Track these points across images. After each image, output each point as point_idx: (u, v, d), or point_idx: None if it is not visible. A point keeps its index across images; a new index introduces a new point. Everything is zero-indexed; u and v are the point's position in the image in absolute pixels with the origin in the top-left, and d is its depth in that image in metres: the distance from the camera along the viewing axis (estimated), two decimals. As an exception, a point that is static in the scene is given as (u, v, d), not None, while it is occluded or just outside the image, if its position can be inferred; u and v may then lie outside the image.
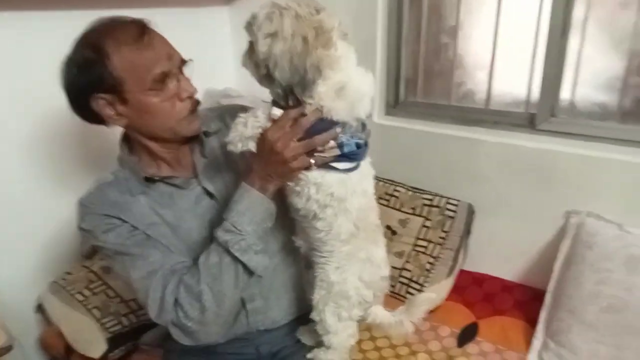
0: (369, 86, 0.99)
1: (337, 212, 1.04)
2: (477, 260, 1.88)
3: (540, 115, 1.68)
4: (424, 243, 1.84)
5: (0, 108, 1.65)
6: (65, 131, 1.79)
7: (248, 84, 1.22)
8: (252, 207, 1.04)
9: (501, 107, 1.82)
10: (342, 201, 1.03)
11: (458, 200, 1.85)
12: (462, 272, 1.85)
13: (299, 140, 0.97)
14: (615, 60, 1.57)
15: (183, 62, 1.10)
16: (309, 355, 1.23)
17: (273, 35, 0.89)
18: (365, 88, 0.98)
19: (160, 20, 1.11)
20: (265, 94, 1.02)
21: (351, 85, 0.95)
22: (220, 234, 1.05)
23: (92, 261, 1.78)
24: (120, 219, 1.10)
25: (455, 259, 1.80)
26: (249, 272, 1.07)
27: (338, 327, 1.14)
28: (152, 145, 1.14)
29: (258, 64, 0.94)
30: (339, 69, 0.93)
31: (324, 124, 0.95)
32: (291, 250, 1.25)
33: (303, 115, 0.95)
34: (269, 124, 0.98)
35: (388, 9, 1.90)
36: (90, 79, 1.04)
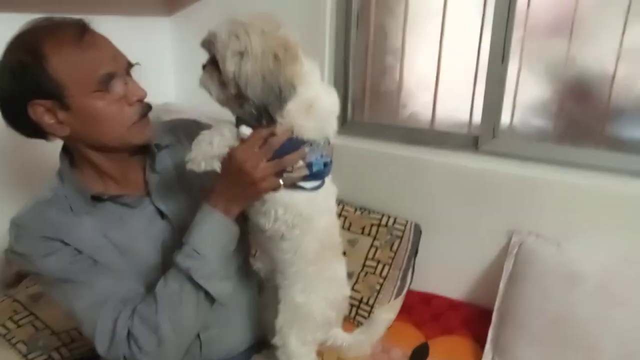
0: (335, 103, 0.97)
1: (304, 231, 1.00)
2: (424, 280, 1.89)
3: (482, 136, 1.74)
4: (373, 263, 1.83)
5: None
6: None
7: (187, 97, 1.18)
8: (215, 231, 0.98)
9: (445, 128, 1.87)
10: (310, 220, 1.00)
11: (406, 220, 1.86)
12: (409, 291, 1.85)
13: (268, 160, 0.93)
14: (551, 85, 1.66)
15: (130, 65, 1.03)
16: None
17: (242, 54, 0.85)
18: (333, 105, 0.97)
19: (100, 27, 1.03)
20: (207, 109, 0.98)
21: (319, 103, 0.93)
22: (181, 260, 0.97)
23: (16, 289, 1.62)
24: (62, 241, 0.99)
25: (404, 279, 1.81)
26: (211, 300, 1.01)
27: (301, 352, 1.09)
28: (98, 158, 1.05)
29: (225, 84, 0.89)
30: (307, 85, 0.91)
31: (293, 143, 0.92)
32: (245, 274, 1.20)
33: (272, 134, 0.91)
34: (236, 143, 0.93)
35: (336, 29, 1.93)
36: (26, 84, 0.94)
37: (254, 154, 0.92)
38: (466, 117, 1.84)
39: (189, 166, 0.94)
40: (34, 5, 1.49)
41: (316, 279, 1.08)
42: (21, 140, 1.59)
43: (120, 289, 1.01)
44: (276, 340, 1.10)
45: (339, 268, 1.15)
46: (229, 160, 0.93)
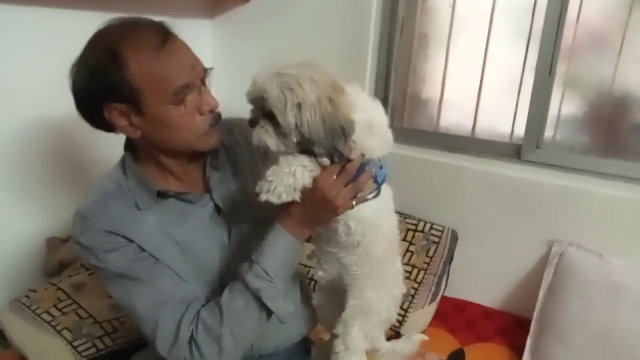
0: (384, 113, 1.01)
1: (376, 236, 1.06)
2: (458, 287, 1.90)
3: (525, 146, 1.75)
4: (408, 268, 1.83)
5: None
6: (31, 142, 1.67)
7: (227, 100, 1.21)
8: (287, 253, 0.99)
9: (487, 137, 1.88)
10: (378, 226, 1.05)
11: (442, 226, 1.87)
12: (443, 297, 1.85)
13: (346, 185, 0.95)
14: (596, 98, 1.67)
15: (205, 71, 1.03)
16: None
17: (299, 105, 0.87)
18: (384, 116, 1.00)
19: None
20: (246, 112, 0.99)
21: (375, 120, 0.97)
22: (251, 279, 0.97)
23: (59, 278, 1.63)
24: (126, 237, 1.00)
25: (438, 285, 1.81)
26: (271, 316, 1.02)
27: (360, 345, 1.11)
28: (162, 157, 1.06)
29: (284, 135, 0.91)
30: (360, 110, 0.94)
31: (360, 164, 0.95)
32: (295, 274, 1.21)
33: (348, 160, 0.94)
34: (318, 172, 0.94)
35: (380, 35, 1.94)
36: (103, 86, 0.94)
37: (335, 182, 0.94)
38: (506, 127, 1.85)
39: (267, 197, 0.91)
40: (81, 3, 1.52)
41: (385, 275, 1.13)
42: (52, 144, 1.63)
43: (181, 289, 1.02)
44: (338, 330, 1.11)
45: (399, 262, 1.21)
46: (314, 189, 0.94)
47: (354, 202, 0.97)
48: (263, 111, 0.91)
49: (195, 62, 1.00)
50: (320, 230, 1.07)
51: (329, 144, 0.89)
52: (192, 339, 0.97)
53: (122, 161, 1.09)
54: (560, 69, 1.68)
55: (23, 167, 1.67)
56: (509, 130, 1.85)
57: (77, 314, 1.50)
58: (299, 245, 1.00)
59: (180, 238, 1.06)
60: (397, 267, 1.19)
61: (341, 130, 0.88)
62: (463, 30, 1.88)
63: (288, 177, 0.91)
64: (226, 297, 0.99)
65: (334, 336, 1.13)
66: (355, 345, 1.10)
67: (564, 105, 1.73)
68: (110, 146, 1.13)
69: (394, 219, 1.15)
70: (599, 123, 1.70)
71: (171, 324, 0.98)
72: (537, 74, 1.68)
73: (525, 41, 1.74)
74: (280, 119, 0.88)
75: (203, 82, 1.02)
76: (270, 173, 0.92)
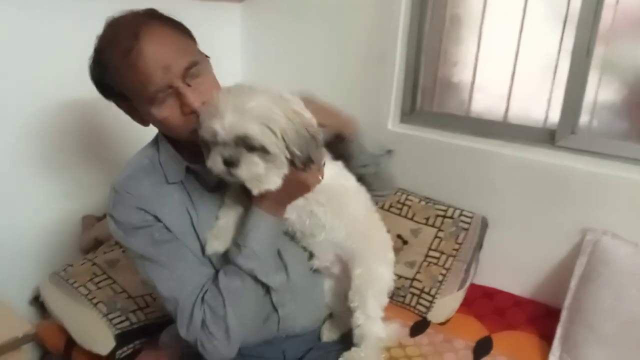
0: None
1: (345, 196, 1.15)
2: (486, 274, 1.87)
3: (560, 131, 1.70)
4: (437, 254, 1.82)
5: (7, 97, 1.59)
6: (66, 123, 1.74)
7: (253, 83, 1.22)
8: (270, 233, 1.05)
9: (519, 122, 1.84)
10: (342, 187, 1.15)
11: (472, 213, 1.84)
12: (471, 285, 1.83)
13: None
14: (634, 82, 1.61)
15: (191, 66, 0.97)
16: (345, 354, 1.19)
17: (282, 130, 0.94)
18: None
19: (170, 9, 1.03)
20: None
21: None
22: (243, 262, 1.02)
23: (94, 254, 1.70)
24: (155, 216, 1.04)
25: (467, 272, 1.79)
26: (268, 288, 1.09)
27: (378, 312, 1.18)
28: (183, 142, 1.08)
29: (275, 160, 0.96)
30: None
31: None
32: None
33: None
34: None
35: (410, 17, 1.91)
36: (103, 85, 1.02)
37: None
38: (540, 113, 1.80)
39: (264, 188, 0.97)
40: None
41: (376, 240, 1.23)
42: (88, 125, 1.67)
43: (198, 273, 1.06)
44: (355, 302, 1.16)
45: (384, 229, 1.28)
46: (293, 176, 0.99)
47: (320, 177, 1.05)
48: (248, 148, 0.93)
49: (171, 61, 0.95)
50: (301, 230, 1.13)
51: (306, 153, 0.95)
52: (203, 321, 1.03)
53: (156, 138, 1.13)
54: (598, 52, 1.62)
55: (58, 149, 1.75)
56: (542, 116, 1.80)
57: (112, 288, 1.56)
58: (279, 222, 1.07)
59: (196, 219, 1.08)
60: (384, 233, 1.27)
61: (313, 139, 0.96)
62: (496, 12, 1.83)
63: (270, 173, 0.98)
64: (223, 280, 1.04)
65: (352, 309, 1.17)
66: (375, 312, 1.17)
67: (601, 90, 1.66)
68: (141, 132, 1.16)
69: (353, 183, 1.19)
70: (637, 108, 1.63)
71: (188, 307, 1.03)
72: (573, 57, 1.63)
73: (562, 23, 1.68)
74: (271, 149, 0.93)
75: (185, 80, 0.96)
76: (253, 165, 0.96)
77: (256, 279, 1.04)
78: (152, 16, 1.00)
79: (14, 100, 1.60)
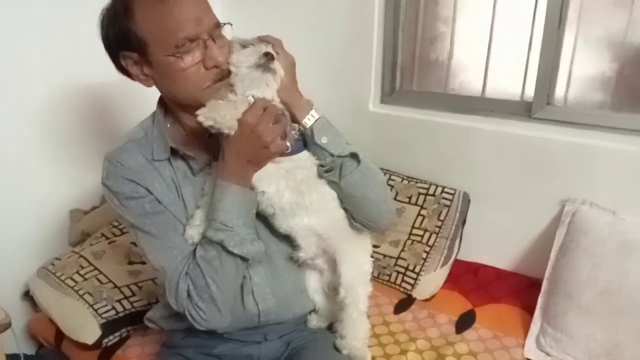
0: None
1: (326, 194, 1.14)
2: (471, 249, 1.89)
3: (536, 103, 1.70)
4: (420, 232, 1.84)
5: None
6: (50, 119, 1.75)
7: None
8: (237, 203, 1.04)
9: (497, 96, 1.84)
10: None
11: (454, 189, 1.85)
12: (456, 261, 1.84)
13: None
14: (609, 53, 1.60)
15: (217, 26, 1.02)
16: (337, 343, 1.23)
17: None
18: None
19: None
20: None
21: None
22: (212, 234, 1.03)
23: (81, 247, 1.73)
24: (146, 188, 1.07)
25: (451, 248, 1.81)
26: (247, 260, 1.08)
27: (365, 297, 1.21)
28: (180, 113, 1.10)
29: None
30: None
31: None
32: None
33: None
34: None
35: (385, -2, 1.91)
36: (115, 34, 1.00)
37: (260, 117, 0.98)
38: (518, 86, 1.79)
39: (228, 128, 0.98)
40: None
41: (359, 236, 1.22)
42: (80, 117, 1.68)
43: (187, 246, 1.08)
44: (347, 298, 1.19)
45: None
46: (241, 125, 0.98)
47: (287, 143, 1.03)
48: None
49: (202, 15, 0.99)
50: (281, 207, 1.10)
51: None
52: (188, 292, 1.05)
53: (155, 112, 1.15)
54: (571, 22, 1.61)
55: (46, 145, 1.76)
56: (520, 89, 1.79)
57: (97, 279, 1.60)
58: (245, 190, 1.04)
59: (184, 193, 1.11)
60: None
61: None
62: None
63: (233, 109, 0.99)
64: (200, 251, 1.05)
65: (344, 305, 1.19)
66: (365, 305, 1.21)
67: (576, 61, 1.66)
68: (130, 125, 1.19)
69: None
70: (612, 77, 1.62)
71: (175, 278, 1.06)
72: (546, 27, 1.62)
73: (534, -6, 1.67)
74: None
75: (212, 36, 1.01)
76: (220, 104, 0.99)
77: (227, 250, 1.03)
78: None
79: (21, 90, 1.63)
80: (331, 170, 1.12)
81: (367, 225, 1.19)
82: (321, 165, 1.12)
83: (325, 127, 1.10)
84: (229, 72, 1.04)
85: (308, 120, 1.08)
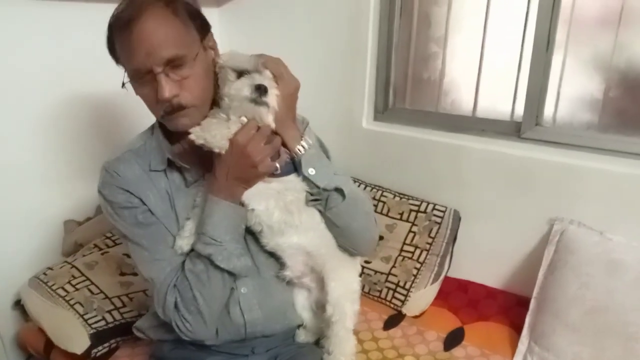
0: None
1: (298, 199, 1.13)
2: (461, 267, 1.90)
3: (525, 123, 1.73)
4: (411, 248, 1.85)
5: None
6: (44, 131, 1.78)
7: None
8: (226, 217, 1.06)
9: (487, 116, 1.87)
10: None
11: (445, 207, 1.87)
12: (447, 278, 1.86)
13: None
14: (597, 74, 1.64)
15: (172, 60, 0.99)
16: (325, 358, 1.23)
17: None
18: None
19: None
20: None
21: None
22: (201, 248, 1.06)
23: (74, 257, 1.74)
24: (140, 199, 1.09)
25: (441, 265, 1.82)
26: (234, 274, 1.11)
27: (353, 315, 1.21)
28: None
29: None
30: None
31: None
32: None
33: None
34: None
35: (380, 17, 1.95)
36: (109, 48, 1.04)
37: (252, 137, 1.00)
38: (508, 106, 1.83)
39: (219, 148, 1.01)
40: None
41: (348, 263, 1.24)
42: (76, 130, 1.71)
43: (177, 258, 1.11)
44: (334, 315, 1.19)
45: None
46: (232, 145, 1.01)
47: (276, 164, 1.05)
48: None
49: (154, 49, 0.97)
50: (269, 225, 1.11)
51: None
52: (176, 304, 1.08)
53: (154, 124, 1.17)
54: (560, 44, 1.65)
55: (41, 156, 1.78)
56: (509, 109, 1.82)
57: (89, 289, 1.61)
58: (234, 206, 1.07)
59: (176, 204, 1.13)
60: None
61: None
62: (461, 9, 1.87)
63: (225, 129, 1.02)
64: (188, 264, 1.08)
65: (331, 323, 1.20)
66: (353, 323, 1.21)
67: (565, 83, 1.69)
68: (125, 137, 1.23)
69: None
70: (600, 98, 1.66)
71: (163, 289, 1.09)
72: (534, 49, 1.65)
73: (524, 17, 1.71)
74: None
75: (165, 70, 0.99)
76: (212, 123, 1.02)
77: (215, 265, 1.06)
78: None
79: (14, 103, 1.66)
80: (318, 200, 1.13)
81: (349, 251, 1.22)
82: (310, 193, 1.12)
83: (314, 158, 1.10)
84: (179, 108, 1.03)
85: (298, 151, 1.08)
